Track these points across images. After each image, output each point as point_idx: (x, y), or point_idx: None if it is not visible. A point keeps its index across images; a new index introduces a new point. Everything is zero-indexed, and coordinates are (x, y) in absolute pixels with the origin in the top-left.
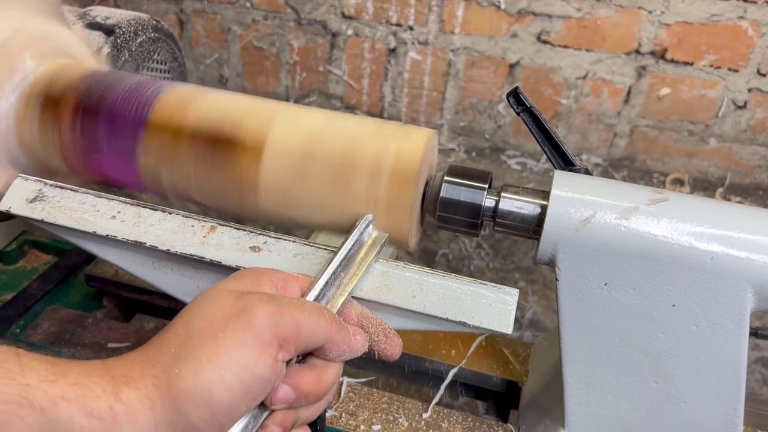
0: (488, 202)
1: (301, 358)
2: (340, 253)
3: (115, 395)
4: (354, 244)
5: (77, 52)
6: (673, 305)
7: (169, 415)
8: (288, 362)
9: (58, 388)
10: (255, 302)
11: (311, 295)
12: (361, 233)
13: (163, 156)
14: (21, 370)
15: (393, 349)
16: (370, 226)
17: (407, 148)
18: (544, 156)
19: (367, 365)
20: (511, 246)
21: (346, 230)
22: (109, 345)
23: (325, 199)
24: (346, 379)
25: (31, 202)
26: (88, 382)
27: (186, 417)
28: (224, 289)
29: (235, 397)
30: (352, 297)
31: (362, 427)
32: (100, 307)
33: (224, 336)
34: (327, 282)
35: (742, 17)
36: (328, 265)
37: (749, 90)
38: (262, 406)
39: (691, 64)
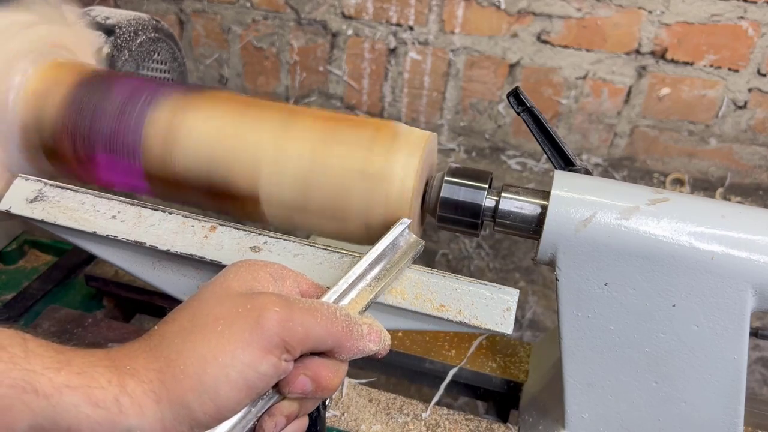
0: (488, 202)
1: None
2: (370, 253)
3: (120, 387)
4: (387, 247)
5: (77, 52)
6: (674, 305)
7: (175, 410)
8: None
9: (62, 376)
10: (266, 304)
11: (334, 291)
12: (396, 236)
13: (164, 193)
14: (26, 356)
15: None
16: (407, 230)
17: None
18: (544, 156)
19: (367, 365)
20: (511, 246)
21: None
22: (109, 345)
23: (328, 223)
24: (346, 380)
25: (31, 202)
26: (93, 372)
27: (191, 411)
28: (230, 287)
29: (240, 393)
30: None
31: (362, 426)
32: (100, 307)
33: (230, 333)
34: (353, 281)
35: (742, 17)
36: (357, 264)
37: (749, 90)
38: (271, 391)
39: (691, 64)
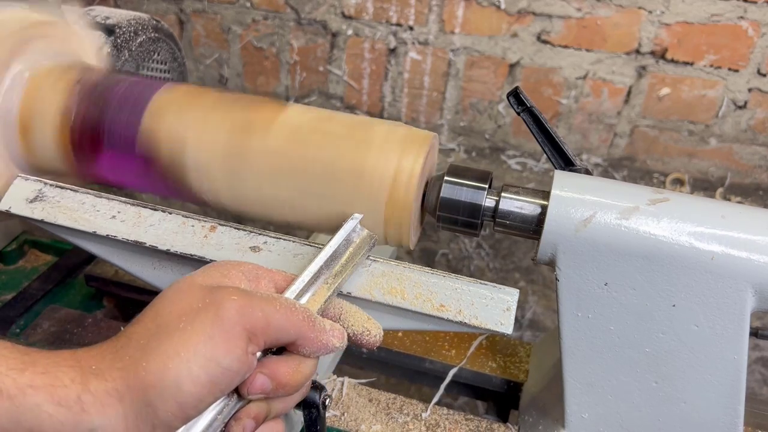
0: (488, 202)
1: (275, 350)
2: (324, 251)
3: (83, 385)
4: (341, 244)
5: (77, 52)
6: (674, 305)
7: (137, 408)
8: (265, 353)
9: (26, 377)
10: (224, 296)
11: (292, 292)
12: (349, 233)
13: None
14: None
15: (373, 338)
16: (358, 225)
17: (406, 166)
18: (544, 156)
19: (367, 365)
20: (511, 246)
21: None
22: None
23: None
24: (346, 379)
25: (31, 202)
26: (57, 371)
27: (154, 409)
28: (193, 282)
29: (203, 389)
30: (343, 295)
31: (362, 426)
32: (100, 307)
33: (192, 329)
34: (309, 280)
35: (742, 17)
36: (312, 263)
37: (749, 90)
38: (237, 396)
39: (691, 64)
